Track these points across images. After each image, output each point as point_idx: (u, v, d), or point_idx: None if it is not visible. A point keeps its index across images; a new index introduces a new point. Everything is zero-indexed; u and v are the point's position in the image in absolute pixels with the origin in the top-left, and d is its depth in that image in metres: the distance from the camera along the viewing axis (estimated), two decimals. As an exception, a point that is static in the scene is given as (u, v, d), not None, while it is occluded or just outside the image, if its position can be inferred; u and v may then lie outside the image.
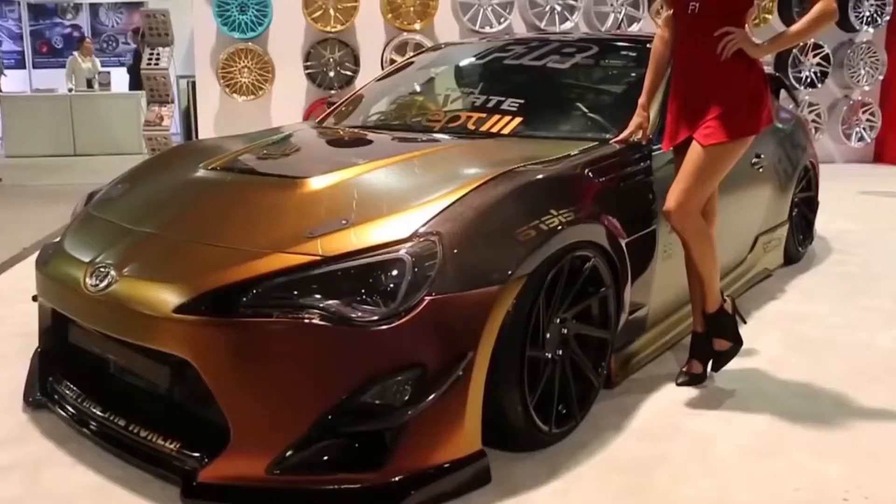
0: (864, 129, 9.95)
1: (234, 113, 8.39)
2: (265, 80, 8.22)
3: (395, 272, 2.12)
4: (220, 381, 2.14)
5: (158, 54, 8.28)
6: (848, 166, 9.97)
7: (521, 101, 3.40)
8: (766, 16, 9.12)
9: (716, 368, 3.07)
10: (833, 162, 10.04)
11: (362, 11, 8.15)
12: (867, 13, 9.61)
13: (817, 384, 3.13)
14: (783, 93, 5.78)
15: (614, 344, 2.84)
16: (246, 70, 8.19)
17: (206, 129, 8.59)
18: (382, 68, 8.26)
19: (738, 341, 3.06)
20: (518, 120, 3.29)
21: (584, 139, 3.11)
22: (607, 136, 3.13)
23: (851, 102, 9.85)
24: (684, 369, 3.06)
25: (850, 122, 9.90)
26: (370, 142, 3.42)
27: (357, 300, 2.10)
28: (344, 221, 2.30)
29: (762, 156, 4.13)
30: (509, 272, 2.23)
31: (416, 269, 2.12)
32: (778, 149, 4.51)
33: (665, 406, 2.89)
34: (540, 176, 2.58)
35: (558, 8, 8.30)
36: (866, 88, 9.82)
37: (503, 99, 3.44)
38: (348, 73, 8.25)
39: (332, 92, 8.15)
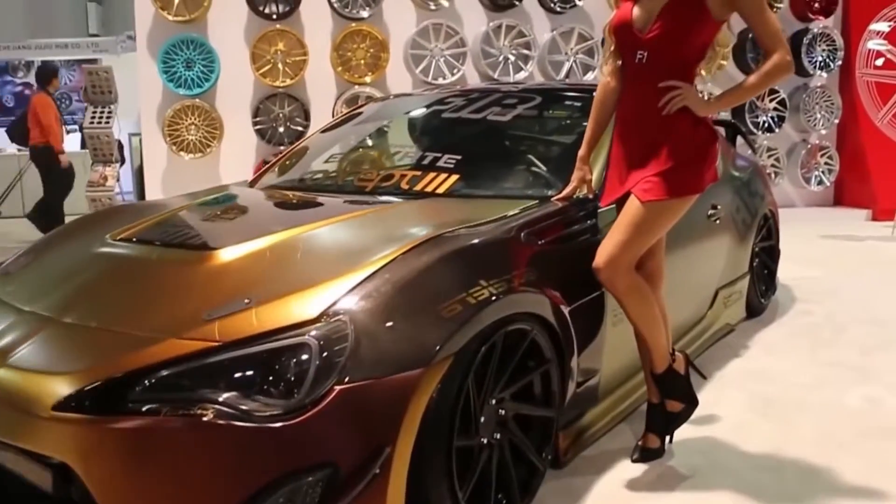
0: (822, 172, 9.90)
1: (182, 171, 8.13)
2: (213, 137, 7.97)
3: (299, 359, 1.87)
4: (104, 487, 1.87)
5: (102, 112, 8.02)
6: (808, 210, 9.91)
7: (459, 158, 3.19)
8: (722, 62, 9.07)
9: (668, 431, 2.84)
10: (793, 206, 9.97)
11: (312, 65, 7.96)
12: (820, 58, 9.62)
13: (784, 454, 2.90)
14: (741, 139, 5.64)
15: (561, 420, 2.60)
16: (193, 127, 7.94)
17: (154, 189, 8.32)
18: (334, 122, 8.07)
19: (691, 402, 2.83)
20: (455, 178, 3.07)
21: (525, 197, 2.91)
22: (549, 192, 2.92)
23: (809, 146, 9.81)
24: (640, 443, 2.82)
25: (809, 166, 9.86)
26: (295, 205, 3.19)
27: (258, 392, 1.86)
28: (247, 301, 2.06)
29: (719, 206, 3.95)
30: (432, 352, 1.98)
31: (323, 355, 1.87)
32: (735, 198, 4.35)
33: (619, 487, 2.64)
34: (470, 242, 2.35)
35: (512, 58, 8.18)
36: (823, 132, 9.80)
37: (440, 155, 3.23)
38: (299, 128, 8.03)
39: (282, 147, 7.93)
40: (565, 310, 2.50)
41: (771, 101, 9.40)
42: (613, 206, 2.74)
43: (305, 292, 2.06)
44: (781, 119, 9.47)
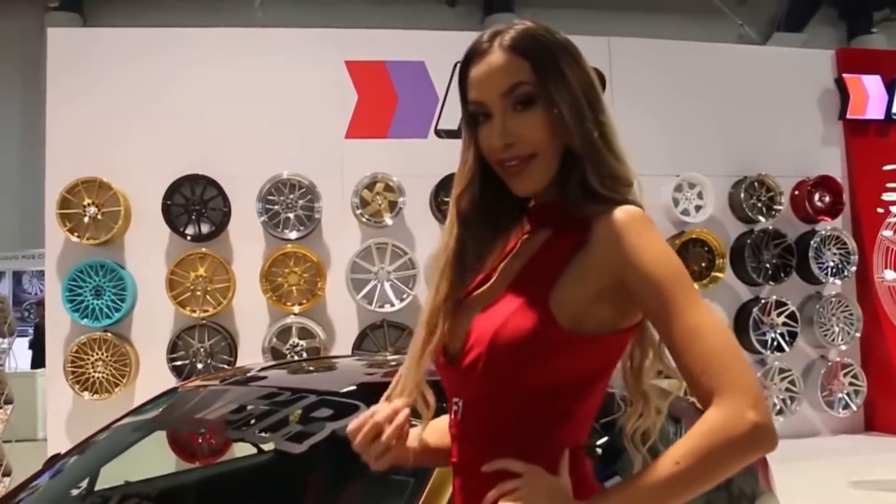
0: (848, 394, 8.48)
1: (88, 414, 6.93)
2: (122, 375, 6.84)
3: None
4: None
5: (-5, 348, 6.98)
6: (835, 439, 8.43)
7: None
8: (717, 274, 7.97)
9: None
10: (818, 434, 8.50)
11: (240, 292, 6.94)
12: (831, 263, 8.46)
13: None
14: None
15: None
16: (100, 363, 6.84)
17: (58, 434, 7.10)
18: (263, 356, 6.93)
19: None
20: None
21: None
22: None
23: (829, 364, 8.44)
24: None
25: (832, 388, 8.45)
26: None
27: None
28: None
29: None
30: None
31: None
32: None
33: None
34: None
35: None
36: (843, 348, 8.47)
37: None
38: (223, 364, 6.89)
39: (198, 388, 6.76)
40: None
41: (779, 314, 8.16)
42: None
43: None
44: (793, 335, 8.17)
